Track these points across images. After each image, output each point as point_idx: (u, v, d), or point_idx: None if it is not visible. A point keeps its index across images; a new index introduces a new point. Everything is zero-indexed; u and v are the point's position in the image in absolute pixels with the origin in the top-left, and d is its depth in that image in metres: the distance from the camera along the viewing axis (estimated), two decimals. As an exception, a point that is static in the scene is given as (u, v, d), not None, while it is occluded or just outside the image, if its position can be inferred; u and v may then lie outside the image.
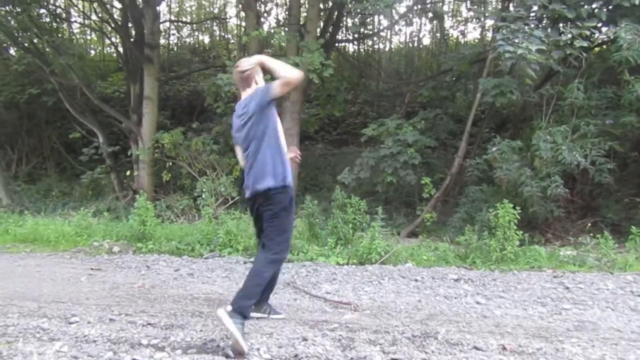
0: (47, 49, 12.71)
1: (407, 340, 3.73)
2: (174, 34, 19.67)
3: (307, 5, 11.92)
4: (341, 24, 13.77)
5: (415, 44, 17.98)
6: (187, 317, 4.28)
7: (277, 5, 16.44)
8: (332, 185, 10.11)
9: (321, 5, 11.55)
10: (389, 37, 18.12)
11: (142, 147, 11.60)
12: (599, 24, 7.45)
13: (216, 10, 20.57)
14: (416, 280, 5.59)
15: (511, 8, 9.98)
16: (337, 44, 14.11)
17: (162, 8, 16.98)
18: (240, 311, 3.55)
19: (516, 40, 7.11)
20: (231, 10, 20.34)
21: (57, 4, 15.43)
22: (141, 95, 12.01)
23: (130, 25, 13.23)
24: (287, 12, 14.41)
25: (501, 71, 8.34)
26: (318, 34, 10.90)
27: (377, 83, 16.30)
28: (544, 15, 7.79)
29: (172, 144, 10.87)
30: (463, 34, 17.28)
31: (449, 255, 6.61)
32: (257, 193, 3.85)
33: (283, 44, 12.38)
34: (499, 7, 12.42)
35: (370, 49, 18.27)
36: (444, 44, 17.18)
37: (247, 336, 3.79)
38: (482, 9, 13.64)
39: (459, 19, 17.44)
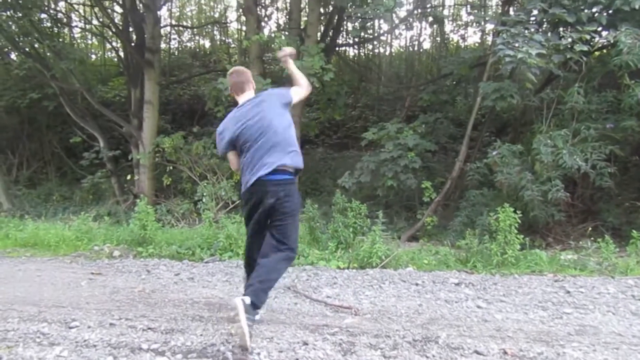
0: (48, 54, 12.73)
1: (408, 345, 3.72)
2: (174, 39, 19.73)
3: (307, 10, 11.95)
4: (341, 28, 13.82)
5: (416, 48, 18.02)
6: (187, 322, 4.28)
7: (277, 9, 16.51)
8: (332, 189, 10.11)
9: (321, 10, 11.59)
10: (389, 41, 18.20)
11: (142, 151, 11.61)
12: (599, 28, 7.46)
13: (217, 15, 20.62)
14: (417, 284, 5.58)
15: (511, 12, 10.03)
16: (337, 48, 14.15)
17: (163, 12, 17.05)
18: (259, 305, 3.70)
19: (516, 44, 7.11)
20: (232, 15, 20.40)
21: (58, 8, 15.47)
22: (142, 99, 12.03)
23: (131, 29, 13.26)
24: (287, 17, 14.49)
25: (501, 75, 8.36)
26: (318, 38, 10.93)
27: (378, 87, 16.32)
28: (544, 20, 7.81)
29: (173, 148, 10.88)
30: (463, 38, 17.35)
31: (450, 259, 6.60)
32: (292, 169, 4.06)
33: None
34: (499, 11, 12.47)
35: (371, 53, 18.32)
36: (444, 48, 17.21)
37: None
38: (482, 13, 13.71)
39: (459, 23, 17.51)
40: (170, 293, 5.38)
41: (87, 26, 16.85)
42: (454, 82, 12.40)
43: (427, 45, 18.27)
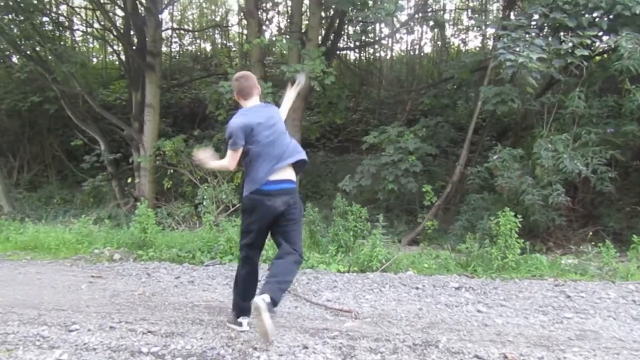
0: (50, 57, 12.76)
1: (408, 349, 3.72)
2: (175, 42, 19.76)
3: (308, 13, 11.95)
4: (342, 32, 13.83)
5: (417, 52, 18.04)
6: (187, 325, 4.28)
7: (278, 13, 16.51)
8: (333, 192, 10.11)
9: (323, 13, 11.60)
10: (390, 45, 18.20)
11: (143, 154, 11.61)
12: (600, 33, 7.47)
13: (218, 18, 20.67)
14: (417, 288, 5.58)
15: (512, 17, 10.03)
16: (338, 52, 14.16)
17: (164, 16, 17.06)
18: (277, 303, 3.73)
19: (517, 49, 7.13)
20: (233, 18, 20.47)
21: (59, 12, 15.50)
22: (143, 102, 12.04)
23: (132, 33, 13.28)
24: (288, 20, 14.52)
25: (502, 79, 8.36)
26: (319, 42, 10.94)
27: (379, 91, 16.33)
28: (545, 24, 7.81)
29: (174, 152, 10.89)
30: (464, 42, 17.35)
31: (450, 263, 6.59)
32: (295, 178, 4.15)
33: (284, 52, 12.43)
34: (500, 15, 12.48)
35: (372, 56, 18.33)
36: (445, 52, 17.22)
37: (247, 344, 3.78)
38: (483, 17, 13.74)
39: (460, 27, 17.52)
40: (171, 296, 5.38)
41: (89, 29, 16.90)
42: (455, 86, 12.41)
43: (428, 49, 18.32)
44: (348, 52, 17.19)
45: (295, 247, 4.08)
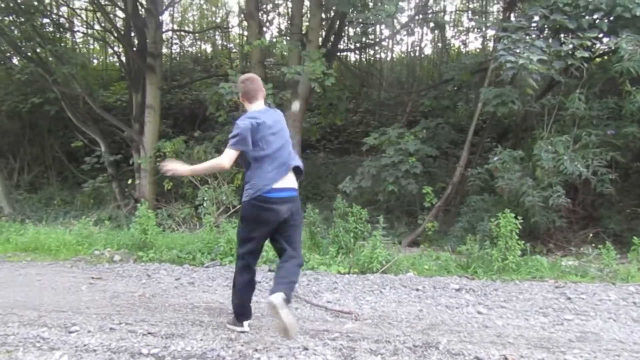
0: (50, 58, 12.77)
1: (409, 350, 3.72)
2: (176, 43, 19.79)
3: (309, 15, 11.96)
4: (343, 34, 13.84)
5: (417, 54, 18.08)
6: (187, 326, 4.28)
7: (279, 14, 16.54)
8: (333, 194, 10.11)
9: (323, 15, 11.61)
10: (390, 46, 18.25)
11: (143, 155, 11.61)
12: (600, 35, 7.47)
13: (218, 20, 20.71)
14: (417, 290, 5.58)
15: (512, 18, 10.05)
16: (338, 53, 14.17)
17: (165, 17, 17.09)
18: (290, 300, 3.80)
19: (517, 50, 7.13)
20: (233, 20, 20.52)
21: (60, 13, 15.53)
22: (143, 104, 12.04)
23: (133, 34, 13.30)
24: (289, 22, 14.54)
25: (502, 81, 8.37)
26: (320, 43, 10.95)
27: (379, 92, 16.35)
28: (545, 26, 7.82)
29: (174, 153, 10.87)
30: (464, 43, 17.40)
31: (451, 264, 6.59)
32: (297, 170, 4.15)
33: (285, 53, 12.44)
34: (500, 17, 12.49)
35: (372, 58, 18.36)
36: (446, 53, 17.24)
37: (247, 345, 3.78)
38: (484, 19, 13.74)
39: (461, 28, 17.57)
40: (171, 297, 5.38)
41: (89, 31, 16.92)
42: (455, 88, 12.42)
43: (428, 50, 18.36)
44: (348, 53, 17.21)
45: (297, 251, 4.13)
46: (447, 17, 16.51)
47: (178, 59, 19.62)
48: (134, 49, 12.85)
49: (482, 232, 7.34)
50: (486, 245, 6.55)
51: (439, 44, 17.61)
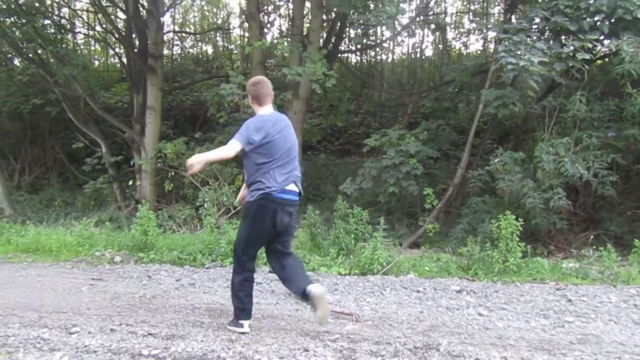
0: (51, 60, 12.78)
1: (409, 352, 3.71)
2: (177, 45, 19.77)
3: (310, 16, 11.97)
4: (344, 35, 13.84)
5: (418, 55, 18.06)
6: (188, 328, 4.27)
7: (280, 16, 16.56)
8: (334, 195, 10.11)
9: (324, 16, 11.62)
10: (391, 48, 18.22)
11: (144, 156, 11.62)
12: (601, 37, 7.48)
13: (219, 21, 20.70)
14: (418, 291, 5.57)
15: (513, 20, 10.05)
16: (339, 55, 14.18)
17: (166, 19, 17.09)
18: None
19: (518, 52, 7.13)
20: (234, 21, 20.52)
21: (61, 15, 15.54)
22: (144, 105, 12.05)
23: (134, 35, 13.30)
24: (290, 23, 14.54)
25: (503, 82, 8.37)
26: (321, 45, 10.96)
27: (380, 94, 16.35)
28: (546, 28, 7.82)
29: (175, 154, 10.89)
30: (465, 45, 17.39)
31: (451, 266, 6.59)
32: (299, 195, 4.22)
33: (286, 55, 12.44)
34: (501, 19, 12.48)
35: (373, 59, 18.35)
36: (447, 55, 17.24)
37: (248, 347, 3.78)
38: (485, 20, 13.74)
39: (462, 30, 17.55)
40: (171, 299, 5.38)
41: (91, 32, 16.91)
42: (456, 89, 12.42)
43: (429, 52, 18.34)
44: (349, 55, 17.21)
45: (290, 248, 4.36)
46: (448, 19, 16.53)
47: (179, 60, 19.63)
48: (135, 50, 12.86)
49: (482, 233, 7.34)
50: (487, 247, 6.55)
51: (440, 46, 17.61)
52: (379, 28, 14.91)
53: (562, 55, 7.29)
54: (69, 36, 16.39)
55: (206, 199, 9.71)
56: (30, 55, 12.54)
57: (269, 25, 15.04)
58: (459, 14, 17.63)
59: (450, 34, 17.20)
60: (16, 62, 13.74)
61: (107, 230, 9.07)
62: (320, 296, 3.85)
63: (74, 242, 8.05)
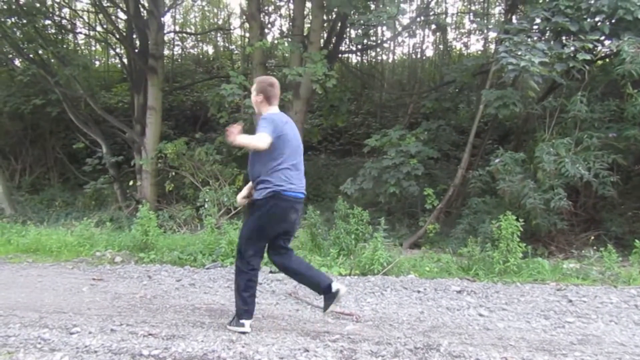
0: (52, 60, 12.79)
1: (409, 352, 3.71)
2: (178, 45, 19.80)
3: (310, 17, 11.97)
4: (344, 35, 13.84)
5: (419, 56, 18.06)
6: (188, 328, 4.27)
7: (281, 16, 16.56)
8: (334, 195, 10.11)
9: (324, 17, 11.62)
10: (392, 48, 18.23)
11: (145, 157, 11.62)
12: (602, 37, 7.48)
13: (220, 22, 20.72)
14: (419, 292, 5.57)
15: (514, 20, 10.04)
16: (340, 55, 14.18)
17: (167, 19, 17.11)
18: None
19: (519, 53, 7.13)
20: (235, 22, 20.50)
21: (62, 15, 15.56)
22: (145, 105, 12.05)
23: (134, 36, 13.31)
24: (290, 23, 14.54)
25: (504, 83, 8.36)
26: (321, 45, 10.96)
27: (380, 94, 16.35)
28: (547, 28, 7.82)
29: (175, 154, 10.89)
30: (466, 45, 17.39)
31: (452, 266, 6.58)
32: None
33: (286, 55, 12.45)
34: (502, 19, 12.47)
35: (374, 60, 18.36)
36: (447, 55, 17.24)
37: (248, 347, 3.78)
38: (485, 21, 13.74)
39: (462, 31, 17.56)
40: (172, 299, 5.38)
41: (91, 32, 16.92)
42: (457, 90, 12.42)
43: (429, 52, 18.35)
44: (350, 55, 17.22)
45: (290, 247, 4.54)
46: (448, 19, 16.54)
47: (180, 60, 19.65)
48: (136, 50, 12.86)
49: (483, 234, 7.33)
50: (487, 248, 6.55)
51: (441, 46, 17.61)
52: (379, 28, 14.93)
53: (563, 56, 7.29)
54: (70, 36, 16.42)
55: (207, 199, 9.72)
56: (31, 55, 12.53)
57: (269, 26, 15.05)
58: (459, 14, 17.65)
59: (450, 35, 17.25)
60: (17, 62, 13.73)
61: (108, 231, 9.07)
62: (343, 294, 4.37)
63: (74, 243, 8.05)
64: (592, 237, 7.72)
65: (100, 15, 15.21)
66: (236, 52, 19.62)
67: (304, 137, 11.49)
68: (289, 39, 11.26)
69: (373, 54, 18.07)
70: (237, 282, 4.21)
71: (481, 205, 8.36)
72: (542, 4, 8.09)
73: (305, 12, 12.28)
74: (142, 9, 12.88)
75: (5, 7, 11.82)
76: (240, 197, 4.50)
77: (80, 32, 17.25)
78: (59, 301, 5.28)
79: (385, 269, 6.46)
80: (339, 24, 12.18)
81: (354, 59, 17.99)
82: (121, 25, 14.68)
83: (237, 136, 3.92)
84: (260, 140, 3.94)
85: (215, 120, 11.98)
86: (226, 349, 3.73)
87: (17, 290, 5.75)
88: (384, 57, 18.71)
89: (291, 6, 14.58)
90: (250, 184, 4.41)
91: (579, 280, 6.04)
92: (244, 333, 4.07)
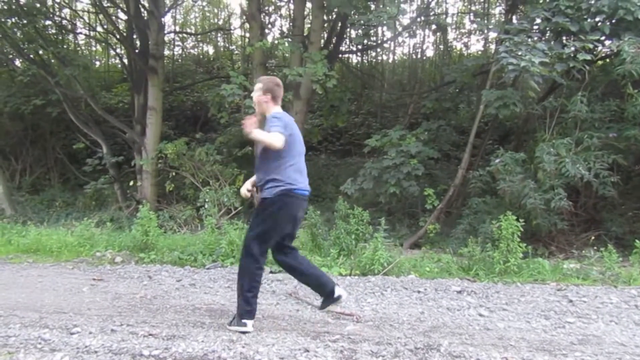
0: (52, 60, 12.79)
1: (410, 352, 3.71)
2: (178, 45, 19.81)
3: (310, 17, 11.98)
4: (345, 35, 13.84)
5: (419, 56, 18.06)
6: (188, 328, 4.27)
7: (281, 16, 16.57)
8: (335, 195, 10.11)
9: (325, 17, 11.62)
10: (392, 48, 18.23)
11: (145, 157, 11.62)
12: (602, 37, 7.48)
13: (220, 22, 20.72)
14: (419, 292, 5.57)
15: (514, 20, 10.04)
16: (340, 55, 14.18)
17: (167, 19, 17.13)
18: None
19: (519, 53, 7.13)
20: (235, 22, 20.50)
21: (62, 15, 15.56)
22: (145, 105, 12.06)
23: (135, 36, 13.31)
24: (291, 24, 14.54)
25: (504, 83, 8.36)
26: (322, 45, 10.96)
27: (381, 94, 16.35)
28: (547, 28, 7.82)
29: (176, 154, 10.89)
30: (466, 45, 17.38)
31: (452, 267, 6.58)
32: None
33: (287, 55, 12.45)
34: (502, 19, 12.48)
35: (374, 60, 18.36)
36: (447, 55, 17.23)
37: (248, 347, 3.78)
38: (485, 21, 13.73)
39: (462, 31, 17.55)
40: (172, 299, 5.38)
41: (92, 33, 16.92)
42: (457, 90, 12.41)
43: (430, 52, 18.35)
44: (350, 55, 17.22)
45: (293, 246, 4.61)
46: (448, 19, 16.53)
47: (180, 60, 19.66)
48: (136, 50, 12.87)
49: (483, 234, 7.33)
50: (488, 248, 6.55)
51: (441, 46, 17.61)
52: (379, 28, 14.92)
53: (563, 56, 7.29)
54: (70, 37, 16.43)
55: (207, 200, 9.71)
56: (32, 55, 12.54)
57: (269, 26, 15.05)
58: (459, 14, 17.64)
59: (451, 35, 17.23)
60: (17, 62, 13.73)
61: (108, 231, 9.08)
62: (344, 300, 4.56)
63: (74, 243, 8.05)
64: (593, 237, 7.72)
65: (101, 16, 15.21)
66: (236, 52, 19.63)
67: (305, 137, 11.45)
68: (289, 39, 11.26)
69: (373, 54, 18.08)
70: (241, 282, 4.21)
71: (481, 206, 8.36)
72: (542, 4, 8.09)
73: (305, 13, 12.29)
74: (142, 10, 12.89)
75: (5, 7, 11.82)
76: (245, 189, 4.53)
77: (81, 33, 17.28)
78: (59, 301, 5.28)
79: (385, 269, 6.46)
80: (339, 24, 12.18)
81: (354, 59, 18.01)
82: (121, 25, 14.69)
83: (253, 129, 3.93)
84: (277, 139, 3.96)
85: (216, 121, 11.99)
86: (226, 349, 3.73)
87: (17, 290, 5.75)
88: (384, 57, 18.74)
89: (291, 6, 14.59)
90: (252, 178, 4.49)
91: (580, 281, 6.04)
92: (245, 333, 4.07)
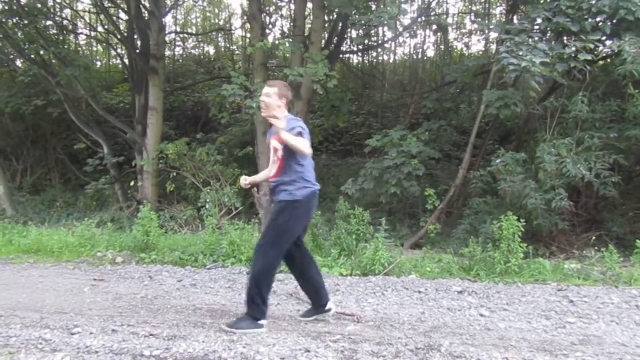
0: (53, 61, 12.81)
1: (410, 353, 3.71)
2: (179, 45, 19.81)
3: (311, 17, 11.97)
4: (345, 35, 13.83)
5: (420, 56, 18.04)
6: (189, 328, 4.27)
7: (282, 16, 16.55)
8: (335, 195, 10.10)
9: (325, 17, 11.61)
10: (393, 48, 18.21)
11: (146, 157, 11.63)
12: (603, 37, 7.47)
13: (221, 22, 20.72)
14: (420, 292, 5.57)
15: (515, 20, 10.03)
16: (341, 55, 14.17)
17: (168, 20, 17.12)
18: None
19: (520, 53, 7.12)
20: (236, 22, 20.49)
21: (63, 15, 15.58)
22: (146, 106, 12.07)
23: (135, 36, 13.32)
24: (291, 24, 14.52)
25: (505, 83, 8.36)
26: (322, 45, 10.95)
27: (381, 94, 16.33)
28: (548, 28, 7.81)
29: (177, 155, 10.90)
30: (467, 46, 17.36)
31: (453, 267, 6.58)
32: None
33: (287, 55, 12.45)
34: (503, 19, 12.47)
35: (375, 60, 18.34)
36: (448, 55, 17.22)
37: (249, 347, 3.78)
38: (486, 21, 13.71)
39: (463, 31, 17.53)
40: (173, 299, 5.38)
41: (92, 33, 16.94)
42: (458, 90, 12.40)
43: (430, 52, 18.34)
44: (351, 55, 17.20)
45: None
46: (449, 20, 16.52)
47: (181, 60, 19.66)
48: (137, 51, 12.87)
49: (484, 234, 7.33)
50: (488, 248, 6.55)
51: (442, 46, 17.59)
52: (380, 28, 14.89)
53: (564, 56, 7.28)
54: (71, 37, 16.46)
55: (208, 200, 9.72)
56: (32, 56, 12.56)
57: (270, 26, 15.02)
58: (460, 14, 17.62)
59: (451, 35, 17.21)
60: (18, 63, 13.74)
61: (109, 231, 9.08)
62: (330, 315, 4.51)
63: (75, 243, 8.05)
64: (593, 238, 7.72)
65: (102, 16, 15.21)
66: (237, 52, 19.62)
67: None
68: (290, 40, 11.27)
69: (374, 54, 18.05)
70: (259, 282, 4.16)
71: (482, 206, 8.35)
72: (543, 4, 8.08)
73: (306, 13, 12.28)
74: (143, 10, 12.89)
75: (6, 7, 11.84)
76: (251, 180, 4.57)
77: (82, 33, 17.30)
78: (60, 301, 5.28)
79: (386, 269, 6.46)
80: (340, 24, 12.17)
81: (355, 59, 17.99)
82: (122, 25, 14.70)
83: (284, 131, 3.99)
84: (307, 145, 4.08)
85: (217, 121, 11.98)
86: (227, 349, 3.73)
87: (18, 290, 5.76)
88: (385, 58, 18.71)
89: (292, 6, 14.57)
90: (262, 174, 4.65)
91: (580, 281, 6.03)
92: (262, 332, 4.09)
